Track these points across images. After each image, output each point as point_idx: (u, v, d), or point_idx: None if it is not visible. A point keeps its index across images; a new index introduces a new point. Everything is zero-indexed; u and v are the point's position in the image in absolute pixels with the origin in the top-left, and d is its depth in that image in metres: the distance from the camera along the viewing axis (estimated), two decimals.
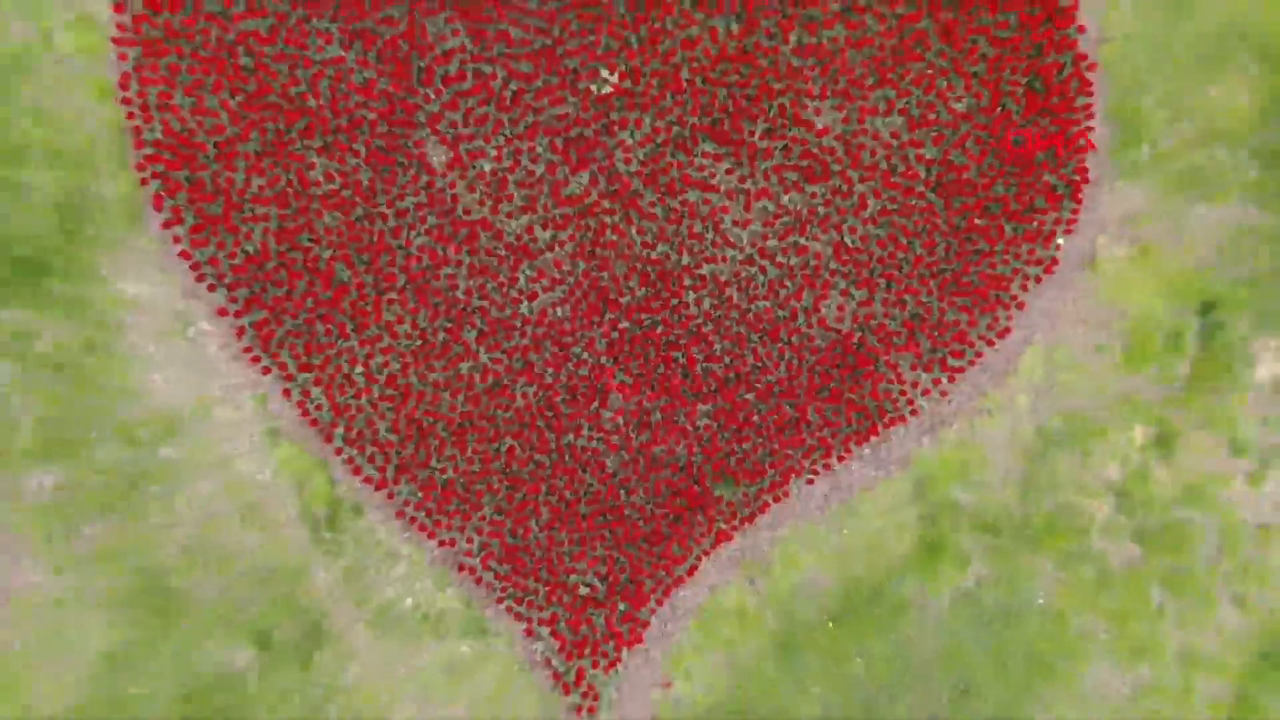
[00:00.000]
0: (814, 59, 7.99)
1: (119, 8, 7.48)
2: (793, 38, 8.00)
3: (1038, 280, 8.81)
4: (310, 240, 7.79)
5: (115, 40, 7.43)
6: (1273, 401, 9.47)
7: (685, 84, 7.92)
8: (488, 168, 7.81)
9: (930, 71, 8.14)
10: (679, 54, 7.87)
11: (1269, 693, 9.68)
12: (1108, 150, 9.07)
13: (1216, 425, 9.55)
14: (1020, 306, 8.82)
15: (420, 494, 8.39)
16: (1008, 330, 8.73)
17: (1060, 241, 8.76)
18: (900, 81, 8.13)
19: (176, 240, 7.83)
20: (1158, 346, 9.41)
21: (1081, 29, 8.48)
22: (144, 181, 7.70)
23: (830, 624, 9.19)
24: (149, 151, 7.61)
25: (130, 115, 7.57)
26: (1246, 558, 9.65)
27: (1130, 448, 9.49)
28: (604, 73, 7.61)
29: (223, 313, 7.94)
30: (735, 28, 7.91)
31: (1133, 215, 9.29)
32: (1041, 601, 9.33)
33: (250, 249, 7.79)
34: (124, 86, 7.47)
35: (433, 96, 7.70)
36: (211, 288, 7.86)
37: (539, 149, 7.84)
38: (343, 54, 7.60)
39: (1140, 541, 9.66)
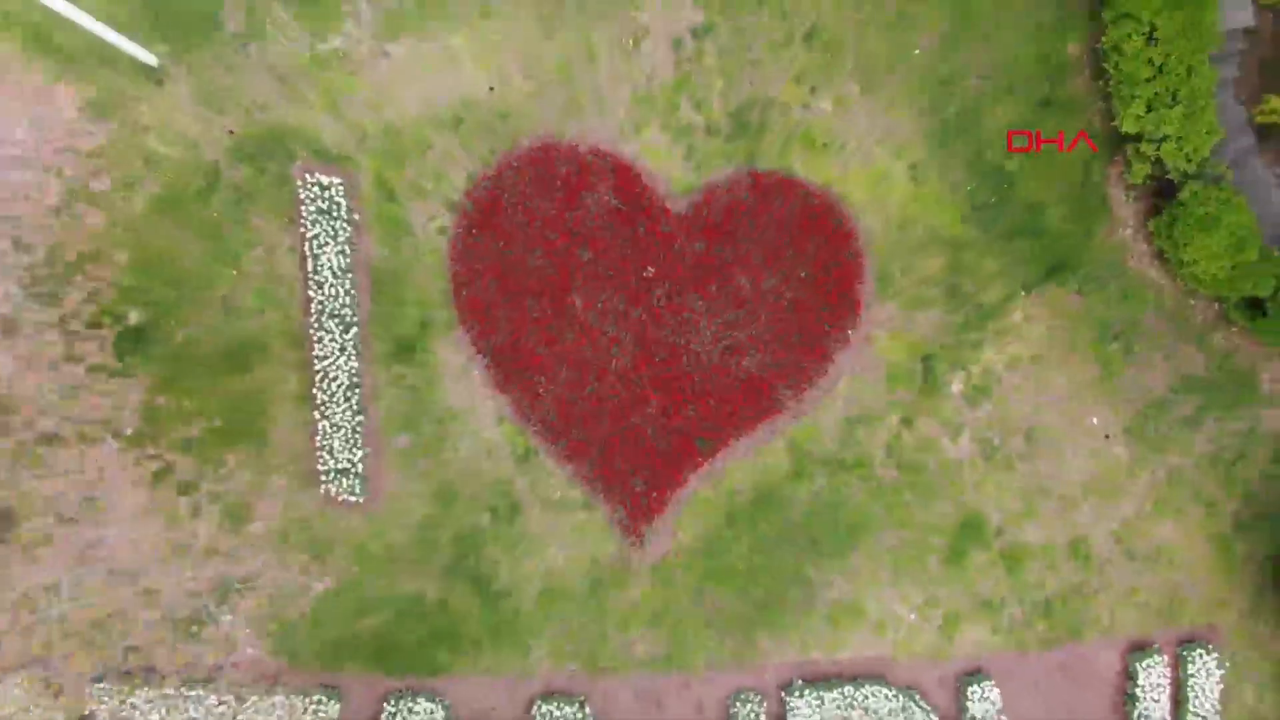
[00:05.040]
0: (737, 262, 18.64)
1: (457, 242, 18.36)
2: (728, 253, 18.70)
3: (841, 349, 19.26)
4: (525, 338, 18.58)
5: (453, 272, 18.32)
6: (960, 403, 19.73)
7: (684, 273, 18.66)
8: (600, 305, 18.58)
9: (790, 260, 18.77)
10: (683, 258, 18.63)
11: (967, 540, 19.80)
12: (874, 291, 19.51)
13: (933, 414, 19.75)
14: (834, 360, 19.26)
15: (567, 445, 19.05)
16: (825, 373, 19.18)
17: (850, 331, 19.22)
18: (776, 266, 18.76)
19: (471, 336, 18.65)
20: (903, 377, 19.76)
21: (856, 238, 18.98)
22: (459, 314, 18.54)
23: (750, 506, 19.64)
24: (462, 302, 18.47)
25: (455, 288, 18.42)
26: (951, 476, 19.84)
27: (892, 424, 19.77)
28: (649, 269, 18.37)
29: (488, 368, 18.73)
30: (700, 247, 18.62)
31: (888, 319, 19.63)
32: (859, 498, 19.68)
33: (500, 342, 18.61)
34: (454, 276, 18.35)
35: (579, 279, 18.50)
36: (485, 356, 18.67)
37: (620, 298, 18.60)
38: (541, 264, 18.43)
39: (898, 470, 19.86)
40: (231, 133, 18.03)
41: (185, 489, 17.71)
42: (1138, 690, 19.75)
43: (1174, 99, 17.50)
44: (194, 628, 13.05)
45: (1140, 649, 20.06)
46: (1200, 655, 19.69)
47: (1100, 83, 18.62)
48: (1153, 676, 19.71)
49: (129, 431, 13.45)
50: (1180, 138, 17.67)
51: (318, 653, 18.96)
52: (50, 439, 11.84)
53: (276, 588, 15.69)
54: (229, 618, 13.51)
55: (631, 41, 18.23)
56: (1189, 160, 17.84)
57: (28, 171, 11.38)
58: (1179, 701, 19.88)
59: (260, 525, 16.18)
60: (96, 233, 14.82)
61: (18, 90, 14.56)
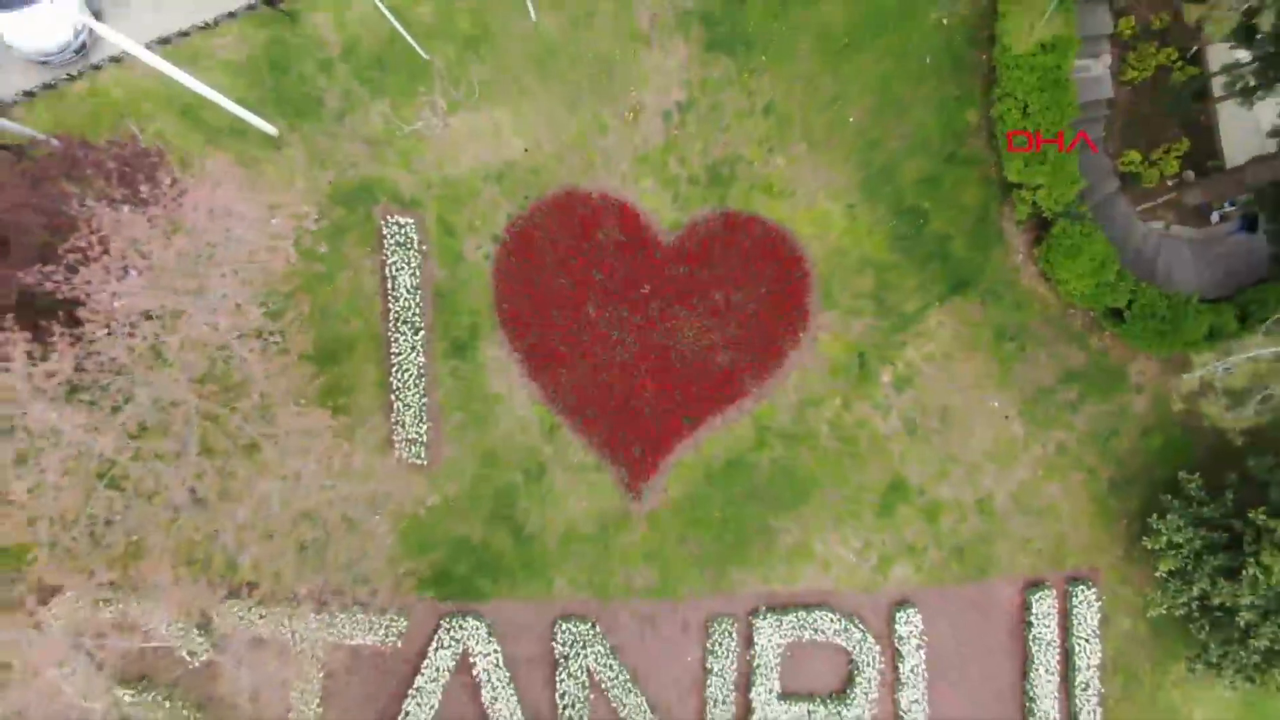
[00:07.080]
0: (712, 281, 24.31)
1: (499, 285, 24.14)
2: (706, 273, 24.39)
3: (792, 349, 24.78)
4: (551, 339, 24.30)
5: (495, 289, 24.07)
6: (890, 390, 25.13)
7: (672, 289, 24.34)
8: (608, 315, 24.28)
9: (753, 279, 24.41)
10: (671, 279, 24.31)
11: (894, 497, 25.14)
12: (819, 302, 25.01)
13: (867, 398, 25.08)
14: (788, 356, 24.76)
15: (582, 421, 24.71)
16: (781, 366, 24.70)
17: (800, 334, 24.74)
18: (743, 284, 24.39)
19: (509, 337, 24.36)
20: (843, 369, 25.22)
21: (804, 262, 24.55)
22: (500, 320, 24.27)
23: (724, 469, 25.12)
24: (502, 312, 24.20)
25: (497, 301, 24.15)
26: (881, 446, 25.14)
27: (834, 406, 25.18)
28: (645, 286, 24.04)
29: (522, 362, 24.41)
30: (685, 270, 24.32)
31: (830, 324, 25.14)
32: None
33: (532, 341, 24.33)
34: (497, 295, 24.11)
35: (592, 294, 24.23)
36: (519, 353, 24.38)
37: (625, 308, 24.29)
38: (563, 282, 24.17)
39: (839, 442, 25.28)
40: (330, 183, 23.94)
41: (343, 435, 22.54)
42: (1032, 618, 24.65)
43: (1044, 157, 23.01)
44: (355, 523, 18.73)
45: (1034, 585, 24.12)
46: (1083, 591, 24.46)
47: (992, 143, 24.15)
48: (1044, 607, 24.41)
49: (303, 401, 19.39)
50: (1050, 186, 23.16)
51: (417, 550, 23.99)
52: (272, 404, 17.84)
53: (405, 496, 21.32)
54: (377, 517, 19.17)
55: (631, 115, 24.04)
56: (1057, 203, 23.31)
57: (272, 239, 17.42)
58: (1066, 628, 24.79)
59: (394, 458, 21.90)
60: (306, 275, 21.10)
61: (267, 186, 21.36)
